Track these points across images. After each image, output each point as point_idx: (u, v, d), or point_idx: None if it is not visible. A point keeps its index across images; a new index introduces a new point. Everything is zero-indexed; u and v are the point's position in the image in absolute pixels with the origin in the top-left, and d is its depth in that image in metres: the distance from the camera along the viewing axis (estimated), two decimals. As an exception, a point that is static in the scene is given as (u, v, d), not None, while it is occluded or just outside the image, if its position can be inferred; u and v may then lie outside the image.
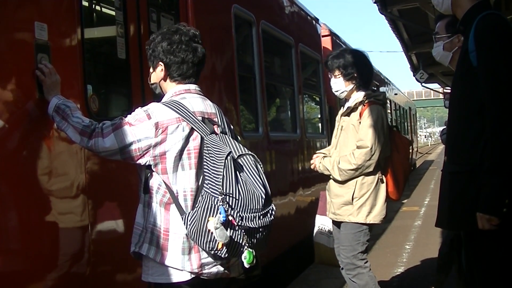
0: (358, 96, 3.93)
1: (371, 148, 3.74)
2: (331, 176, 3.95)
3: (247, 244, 2.40)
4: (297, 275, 6.13)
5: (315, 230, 4.35)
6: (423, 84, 21.41)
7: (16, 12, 2.59)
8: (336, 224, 4.00)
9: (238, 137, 2.82)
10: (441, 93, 25.33)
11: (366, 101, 3.87)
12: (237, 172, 2.41)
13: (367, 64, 4.03)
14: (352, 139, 3.85)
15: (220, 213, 2.31)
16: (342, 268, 3.97)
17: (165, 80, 2.65)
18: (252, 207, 2.38)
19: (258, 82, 5.63)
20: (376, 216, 3.84)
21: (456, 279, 3.45)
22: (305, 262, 6.36)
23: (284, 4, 6.85)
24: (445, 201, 2.77)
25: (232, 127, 2.77)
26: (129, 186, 3.16)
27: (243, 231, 2.37)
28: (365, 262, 3.87)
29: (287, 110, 7.44)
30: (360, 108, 3.87)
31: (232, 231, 2.35)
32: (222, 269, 2.54)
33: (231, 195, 2.34)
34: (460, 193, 2.66)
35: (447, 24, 3.28)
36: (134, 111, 2.55)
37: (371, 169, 3.79)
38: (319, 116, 8.61)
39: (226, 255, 2.40)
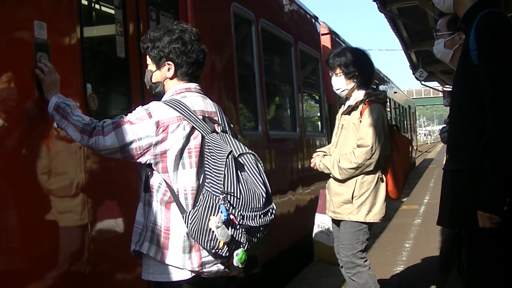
0: (359, 94, 3.92)
1: (372, 147, 3.74)
2: (331, 175, 3.95)
3: (247, 243, 2.40)
4: (296, 273, 6.13)
5: (315, 228, 4.35)
6: (423, 82, 21.39)
7: (15, 10, 2.58)
8: (336, 222, 4.00)
9: (238, 135, 2.82)
10: (440, 91, 25.30)
11: (367, 100, 3.86)
12: (238, 171, 2.41)
13: (368, 63, 4.03)
14: (352, 138, 3.85)
15: (221, 212, 2.31)
16: (342, 267, 3.97)
17: (171, 79, 2.65)
18: (253, 206, 2.38)
19: (258, 81, 5.63)
20: (375, 215, 3.84)
21: (456, 278, 3.45)
22: (304, 260, 6.37)
23: (284, 3, 6.84)
24: (447, 200, 2.77)
25: (232, 125, 2.77)
26: (129, 185, 3.16)
27: (243, 230, 2.38)
28: (365, 261, 3.87)
29: (286, 108, 7.43)
30: (361, 106, 3.87)
31: (233, 230, 2.35)
32: (222, 267, 2.54)
33: (232, 194, 2.34)
34: (461, 192, 2.66)
35: (449, 22, 3.28)
36: (133, 109, 2.55)
37: (371, 168, 3.79)
38: (319, 114, 8.61)
39: (227, 254, 2.40)
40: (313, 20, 8.16)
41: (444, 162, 2.97)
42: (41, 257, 2.67)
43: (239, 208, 2.35)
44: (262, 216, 2.41)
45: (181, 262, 2.46)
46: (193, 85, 2.66)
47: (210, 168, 2.42)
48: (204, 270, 2.50)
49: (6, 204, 2.49)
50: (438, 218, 2.88)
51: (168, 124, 2.47)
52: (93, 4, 4.05)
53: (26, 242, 2.58)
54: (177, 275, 2.48)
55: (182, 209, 2.45)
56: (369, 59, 4.05)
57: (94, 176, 3.01)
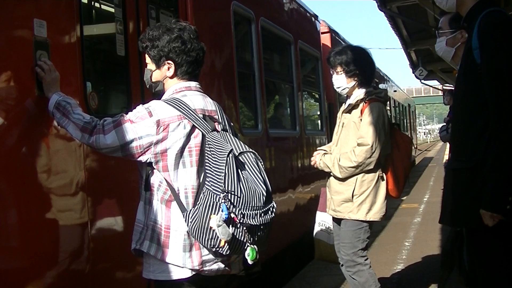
0: (360, 93, 3.92)
1: (372, 146, 3.74)
2: (331, 173, 3.95)
3: (248, 241, 2.40)
4: (296, 271, 6.13)
5: (316, 226, 4.35)
6: (422, 81, 21.43)
7: (15, 9, 2.57)
8: (337, 221, 3.99)
9: (238, 134, 2.81)
10: (440, 90, 25.30)
11: (367, 99, 3.86)
12: (239, 170, 2.40)
13: (369, 61, 4.03)
14: (353, 136, 3.85)
15: (222, 211, 2.31)
16: (342, 265, 3.97)
17: (171, 78, 2.64)
18: (253, 205, 2.38)
19: (258, 79, 5.62)
20: (376, 213, 3.84)
21: (457, 276, 3.45)
22: (305, 258, 6.37)
23: (283, 1, 6.84)
24: (449, 198, 2.77)
25: (232, 124, 2.77)
26: (129, 183, 3.16)
27: (244, 228, 2.37)
28: (366, 259, 3.87)
29: (286, 107, 7.43)
30: (361, 105, 3.87)
31: (234, 228, 2.35)
32: (222, 266, 2.54)
33: (233, 193, 2.34)
34: (464, 190, 2.66)
35: (451, 20, 3.28)
36: (133, 108, 2.55)
37: (371, 166, 3.78)
38: (318, 113, 8.61)
39: (228, 252, 2.40)
40: (313, 19, 8.15)
41: (444, 161, 2.97)
42: (41, 256, 2.66)
43: (240, 207, 2.34)
44: (262, 214, 2.41)
45: (181, 260, 2.46)
46: (193, 84, 2.66)
47: (211, 166, 2.41)
48: (205, 268, 2.49)
49: (6, 203, 2.48)
50: (440, 216, 2.88)
51: (168, 123, 2.46)
52: (93, 2, 4.05)
53: (26, 240, 2.58)
54: (177, 274, 2.47)
55: (182, 208, 2.45)
56: (370, 57, 4.05)
57: (94, 174, 3.00)
